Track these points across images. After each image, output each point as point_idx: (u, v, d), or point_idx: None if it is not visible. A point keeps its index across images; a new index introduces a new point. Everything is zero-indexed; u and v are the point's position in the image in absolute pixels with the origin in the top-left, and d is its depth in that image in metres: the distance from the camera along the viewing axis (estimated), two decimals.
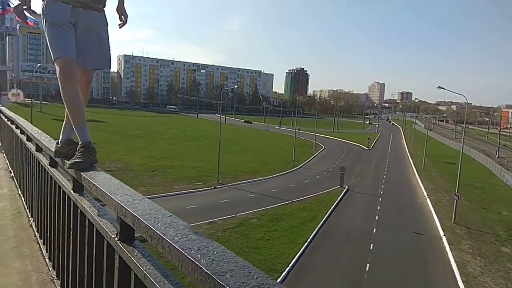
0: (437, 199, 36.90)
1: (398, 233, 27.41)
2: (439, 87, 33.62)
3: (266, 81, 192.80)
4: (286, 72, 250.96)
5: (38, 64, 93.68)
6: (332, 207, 32.24)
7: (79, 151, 2.14)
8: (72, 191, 2.04)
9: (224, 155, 43.47)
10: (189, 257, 0.88)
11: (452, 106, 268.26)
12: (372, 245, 24.56)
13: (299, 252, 22.35)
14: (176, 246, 0.94)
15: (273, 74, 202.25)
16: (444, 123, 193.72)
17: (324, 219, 28.91)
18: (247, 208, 29.04)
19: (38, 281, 2.63)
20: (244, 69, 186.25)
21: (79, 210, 1.92)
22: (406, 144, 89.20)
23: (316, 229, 26.64)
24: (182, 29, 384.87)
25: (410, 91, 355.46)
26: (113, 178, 1.78)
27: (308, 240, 24.47)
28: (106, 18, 2.37)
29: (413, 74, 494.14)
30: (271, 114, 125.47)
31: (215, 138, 44.20)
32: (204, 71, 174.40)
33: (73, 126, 2.30)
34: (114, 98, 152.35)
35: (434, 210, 32.97)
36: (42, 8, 2.23)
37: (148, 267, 1.15)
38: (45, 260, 2.90)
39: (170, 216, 1.20)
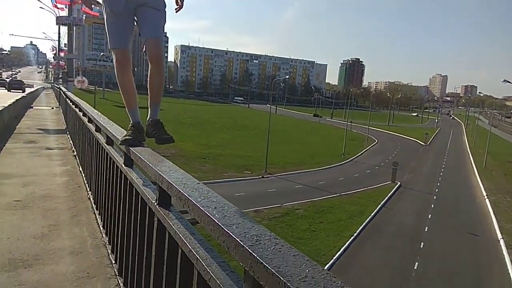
0: (497, 200, 34.54)
1: (451, 233, 26.09)
2: (504, 80, 31.23)
3: (319, 72, 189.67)
4: (341, 63, 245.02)
5: (102, 53, 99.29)
6: (382, 202, 31.37)
7: (129, 130, 2.37)
8: (123, 165, 2.26)
9: (273, 146, 43.68)
10: (207, 213, 1.07)
11: None
12: (422, 243, 23.68)
13: (345, 246, 22.09)
14: (198, 205, 1.14)
15: (326, 64, 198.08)
16: None
17: (373, 214, 28.26)
18: (293, 199, 29.08)
19: (93, 245, 2.96)
20: (297, 59, 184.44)
21: (128, 182, 2.15)
22: (468, 141, 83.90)
23: (364, 223, 26.14)
24: (236, 20, 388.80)
25: (475, 85, 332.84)
26: (156, 154, 1.98)
27: (355, 234, 24.10)
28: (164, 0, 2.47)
29: (478, 67, 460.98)
30: (323, 106, 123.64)
31: (264, 128, 44.52)
32: (257, 61, 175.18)
33: (126, 109, 2.50)
34: (171, 87, 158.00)
35: (493, 211, 30.93)
36: None
37: (178, 226, 1.35)
38: (100, 228, 3.23)
39: (198, 183, 1.40)
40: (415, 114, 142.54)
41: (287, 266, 0.74)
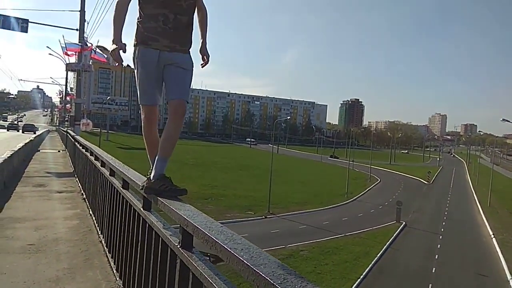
0: (504, 239, 33.91)
1: (459, 273, 25.45)
2: (503, 119, 31.67)
3: (320, 112, 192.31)
4: (341, 103, 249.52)
5: (108, 97, 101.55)
6: (388, 243, 30.85)
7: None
8: (142, 209, 2.36)
9: (276, 185, 43.57)
10: (235, 254, 1.18)
11: None
12: (430, 285, 23.04)
13: None
14: (226, 247, 1.25)
15: (326, 105, 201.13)
16: None
17: (379, 255, 27.73)
18: (297, 240, 28.65)
19: None
20: (298, 100, 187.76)
21: (147, 225, 2.22)
22: (471, 179, 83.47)
23: (370, 265, 25.59)
24: (237, 64, 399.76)
25: (475, 123, 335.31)
26: (177, 199, 2.13)
27: (361, 276, 23.54)
28: (191, 59, 2.55)
29: (478, 106, 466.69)
30: (324, 145, 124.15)
31: (267, 168, 44.65)
32: (258, 102, 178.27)
33: (149, 157, 2.62)
34: None
35: (501, 250, 30.31)
36: (134, 53, 2.47)
37: (203, 267, 1.45)
38: (113, 271, 3.30)
39: (222, 227, 1.52)
40: (406, 151, 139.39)
41: None
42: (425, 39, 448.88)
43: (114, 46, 2.41)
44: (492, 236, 35.31)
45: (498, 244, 32.42)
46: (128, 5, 2.52)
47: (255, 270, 1.04)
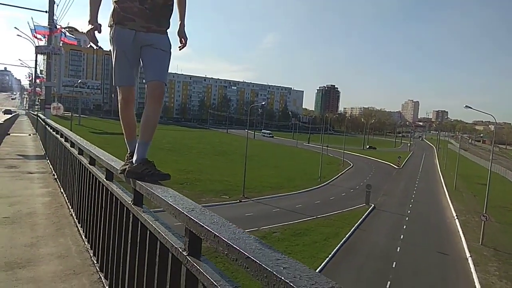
0: (466, 220, 35.97)
1: (422, 252, 26.99)
2: (466, 106, 33.17)
3: (296, 98, 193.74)
4: (317, 89, 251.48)
5: (79, 81, 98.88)
6: (356, 224, 32.14)
7: (128, 160, 2.48)
8: (132, 205, 2.15)
9: (251, 170, 44.26)
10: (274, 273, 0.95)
11: (489, 126, 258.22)
12: (394, 263, 24.40)
13: (319, 267, 22.56)
14: (252, 258, 1.05)
15: (303, 91, 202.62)
16: (481, 143, 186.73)
17: (347, 236, 28.94)
18: (270, 222, 29.54)
19: (77, 251, 3.46)
20: (275, 86, 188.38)
21: (139, 223, 1.99)
22: (439, 164, 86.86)
23: (338, 245, 26.75)
24: (216, 47, 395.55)
25: (446, 110, 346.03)
26: (170, 189, 1.90)
27: (330, 255, 24.65)
28: (169, 39, 2.47)
29: (449, 93, 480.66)
30: (300, 131, 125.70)
31: (242, 153, 45.21)
32: (235, 87, 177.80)
33: (125, 139, 2.58)
34: None
35: (462, 231, 32.20)
36: (110, 34, 2.41)
37: (215, 277, 1.25)
38: (82, 237, 3.74)
39: (235, 226, 1.33)
40: (374, 148, 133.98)
41: None
42: (401, 26, 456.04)
43: (90, 27, 2.37)
44: (455, 217, 37.30)
45: (460, 225, 34.33)
46: None
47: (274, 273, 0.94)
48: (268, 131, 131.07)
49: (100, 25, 2.37)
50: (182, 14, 2.62)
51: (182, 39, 2.64)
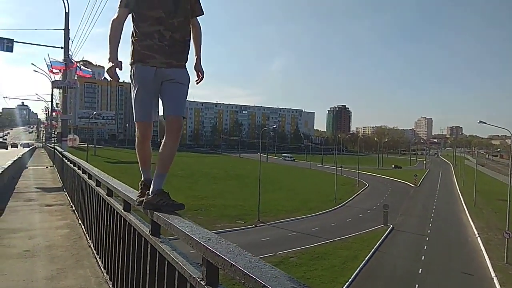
0: (488, 238, 34.86)
1: (445, 273, 26.12)
2: (480, 121, 32.76)
3: (307, 120, 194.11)
4: (328, 110, 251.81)
5: (94, 112, 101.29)
6: (376, 246, 31.44)
7: (142, 187, 2.56)
8: (150, 235, 2.17)
9: (265, 194, 44.05)
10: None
11: (506, 140, 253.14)
12: (417, 286, 23.64)
13: None
14: (268, 286, 1.06)
15: (314, 112, 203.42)
16: (498, 158, 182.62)
17: (366, 258, 28.27)
18: (287, 247, 29.10)
19: (96, 282, 3.49)
20: (285, 108, 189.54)
21: (157, 253, 2.01)
22: (457, 181, 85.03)
23: (358, 268, 26.11)
24: (225, 74, 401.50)
25: (460, 126, 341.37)
26: (186, 219, 1.94)
27: (350, 280, 24.04)
28: (188, 73, 2.55)
29: (463, 108, 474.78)
30: (312, 152, 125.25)
31: (256, 177, 45.15)
32: (246, 112, 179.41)
33: (140, 167, 2.66)
34: (161, 141, 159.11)
35: (485, 249, 31.19)
36: (131, 72, 2.48)
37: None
38: (101, 269, 3.77)
39: (251, 255, 1.33)
40: (400, 167, 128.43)
41: None
42: (409, 44, 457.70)
43: (111, 64, 2.42)
44: (477, 235, 36.21)
45: (482, 243, 33.29)
46: (123, 24, 2.51)
47: None
48: (289, 155, 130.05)
49: (120, 62, 2.43)
50: (198, 49, 2.69)
51: (199, 73, 2.71)
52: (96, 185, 4.23)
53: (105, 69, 2.55)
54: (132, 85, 2.51)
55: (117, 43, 2.49)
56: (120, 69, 2.45)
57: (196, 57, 2.68)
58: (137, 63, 2.45)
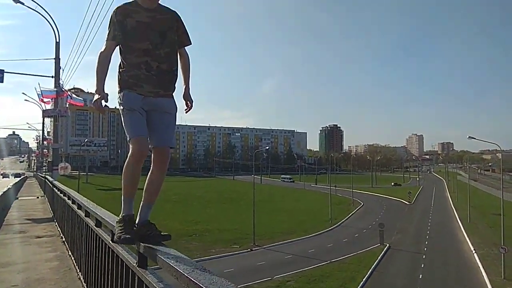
0: (485, 254, 34.73)
1: None
2: (469, 137, 33.23)
3: (300, 140, 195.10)
4: (320, 130, 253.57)
5: (86, 139, 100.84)
6: (373, 266, 31.11)
7: (121, 223, 2.43)
8: (137, 267, 2.15)
9: (260, 216, 43.67)
10: None
11: (497, 155, 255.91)
12: None
13: None
14: None
15: (306, 132, 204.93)
16: (490, 172, 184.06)
17: (364, 279, 27.91)
18: (284, 270, 28.67)
19: None
20: (277, 129, 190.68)
21: (144, 285, 2.00)
22: (450, 197, 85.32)
23: None
24: (217, 96, 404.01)
25: (451, 142, 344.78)
26: (172, 250, 1.97)
27: None
28: (175, 103, 2.54)
29: (452, 124, 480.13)
30: (306, 172, 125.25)
31: (251, 199, 44.86)
32: (239, 134, 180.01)
33: (123, 196, 2.49)
34: None
35: (482, 265, 31.02)
36: (119, 99, 2.47)
37: None
38: None
39: (233, 285, 1.36)
40: (399, 184, 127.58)
41: None
42: (398, 62, 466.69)
43: (97, 96, 2.41)
44: (473, 251, 36.09)
45: (479, 259, 33.14)
46: (110, 57, 2.51)
47: None
48: (288, 176, 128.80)
49: (107, 94, 2.44)
50: (186, 78, 2.71)
51: (188, 102, 2.71)
52: (85, 216, 4.20)
53: (92, 101, 2.51)
54: (121, 112, 2.47)
55: (104, 76, 2.49)
56: (106, 101, 2.46)
57: (184, 86, 2.70)
58: (125, 90, 2.46)
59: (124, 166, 2.44)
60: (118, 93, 2.49)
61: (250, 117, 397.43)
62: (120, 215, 2.49)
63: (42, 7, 17.76)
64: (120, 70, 2.49)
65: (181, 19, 2.67)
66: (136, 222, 2.41)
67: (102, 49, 2.51)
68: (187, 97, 2.70)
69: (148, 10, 2.51)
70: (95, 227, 3.54)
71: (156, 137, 2.46)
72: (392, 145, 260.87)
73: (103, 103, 2.44)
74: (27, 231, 8.14)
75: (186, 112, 2.75)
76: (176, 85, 2.60)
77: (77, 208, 4.96)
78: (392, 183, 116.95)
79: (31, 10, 17.47)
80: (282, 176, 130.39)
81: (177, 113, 2.57)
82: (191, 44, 2.71)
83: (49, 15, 17.94)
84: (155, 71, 2.46)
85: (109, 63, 2.51)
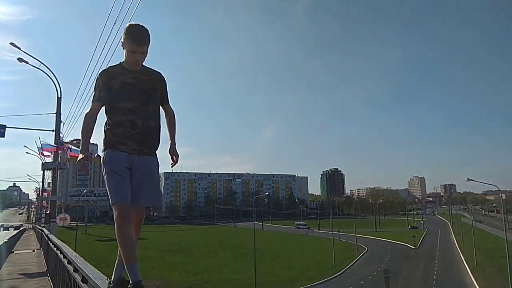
0: None
1: None
2: (468, 179, 33.29)
3: (301, 184, 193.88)
4: (321, 174, 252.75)
5: (85, 190, 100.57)
6: None
7: None
8: None
9: (262, 264, 42.59)
10: None
11: (501, 195, 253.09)
12: None
13: None
14: None
15: (307, 176, 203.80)
16: (495, 213, 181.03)
17: None
18: None
19: None
20: (278, 174, 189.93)
21: None
22: (456, 240, 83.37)
23: None
24: (216, 143, 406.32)
25: (453, 183, 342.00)
26: None
27: None
28: (158, 161, 2.61)
29: (454, 165, 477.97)
30: (308, 218, 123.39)
31: (252, 247, 43.94)
32: (240, 180, 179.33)
33: (125, 265, 2.47)
34: (155, 214, 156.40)
35: None
36: (102, 158, 2.52)
37: None
38: None
39: None
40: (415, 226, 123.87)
41: None
42: (396, 107, 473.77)
43: (81, 156, 2.46)
44: None
45: None
46: (96, 117, 2.56)
47: None
48: (302, 223, 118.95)
49: (91, 154, 2.53)
50: (172, 133, 2.77)
51: (173, 157, 2.75)
52: (74, 271, 4.28)
53: (77, 160, 2.68)
54: (104, 172, 2.50)
55: (89, 136, 2.57)
56: (90, 161, 2.55)
57: (170, 141, 2.77)
58: (108, 149, 2.51)
59: (115, 233, 2.50)
60: (102, 151, 2.56)
61: (250, 163, 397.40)
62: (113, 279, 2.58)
63: (45, 65, 18.58)
64: (105, 128, 2.57)
65: (165, 81, 2.78)
66: (130, 284, 2.39)
67: (88, 110, 2.60)
68: (173, 152, 2.75)
69: (133, 71, 2.61)
70: (81, 282, 3.63)
71: (137, 198, 2.51)
72: (394, 188, 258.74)
73: (92, 156, 2.55)
74: (19, 287, 8.09)
75: (172, 166, 2.84)
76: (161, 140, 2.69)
77: (67, 263, 5.03)
78: (409, 226, 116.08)
79: (35, 68, 18.23)
80: (296, 222, 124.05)
81: (159, 170, 2.67)
82: (168, 105, 2.80)
83: (52, 72, 18.74)
84: (140, 128, 2.53)
85: (95, 123, 2.60)
